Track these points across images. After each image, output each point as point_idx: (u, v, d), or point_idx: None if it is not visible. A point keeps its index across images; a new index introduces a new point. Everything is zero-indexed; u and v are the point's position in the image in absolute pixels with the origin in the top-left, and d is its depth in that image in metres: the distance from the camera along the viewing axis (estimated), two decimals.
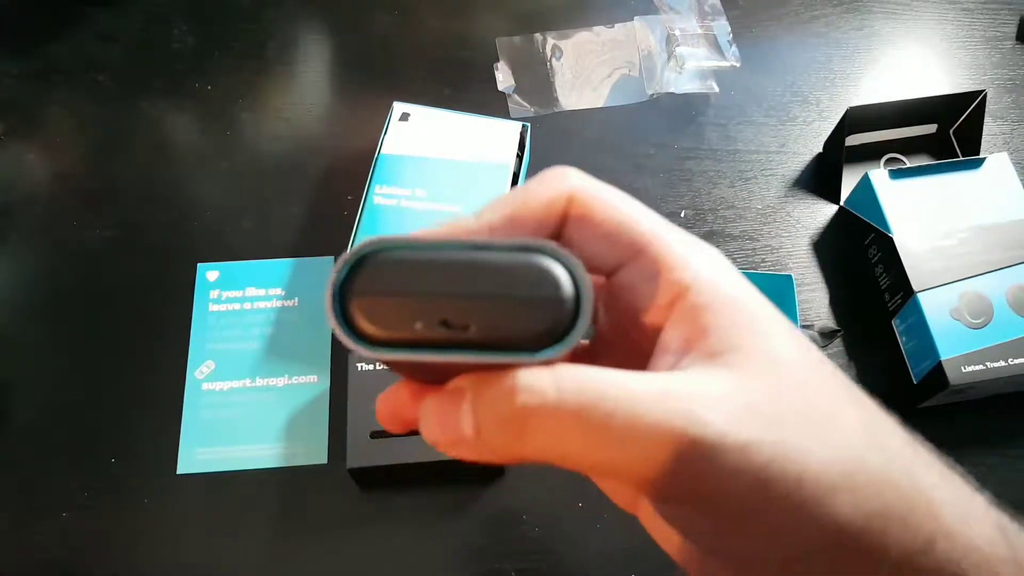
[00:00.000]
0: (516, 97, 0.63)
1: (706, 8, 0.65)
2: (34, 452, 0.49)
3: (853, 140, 0.59)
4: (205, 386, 0.51)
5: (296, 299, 0.54)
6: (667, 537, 0.22)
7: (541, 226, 0.20)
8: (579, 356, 0.23)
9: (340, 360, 0.51)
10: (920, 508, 0.19)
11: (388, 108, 0.55)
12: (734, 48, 0.63)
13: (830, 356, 0.46)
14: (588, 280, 0.18)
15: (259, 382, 0.51)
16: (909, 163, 0.59)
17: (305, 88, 0.63)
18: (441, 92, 0.62)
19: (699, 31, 0.64)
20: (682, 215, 0.58)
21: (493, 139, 0.54)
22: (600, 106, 0.63)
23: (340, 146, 0.60)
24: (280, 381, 0.51)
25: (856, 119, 0.56)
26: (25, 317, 0.53)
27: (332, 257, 0.55)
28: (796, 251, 0.57)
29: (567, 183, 0.20)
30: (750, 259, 0.56)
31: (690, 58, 0.62)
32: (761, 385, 0.18)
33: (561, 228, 0.21)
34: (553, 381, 0.17)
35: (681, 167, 0.60)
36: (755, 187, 0.59)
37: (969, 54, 0.65)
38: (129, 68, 0.63)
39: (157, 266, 0.55)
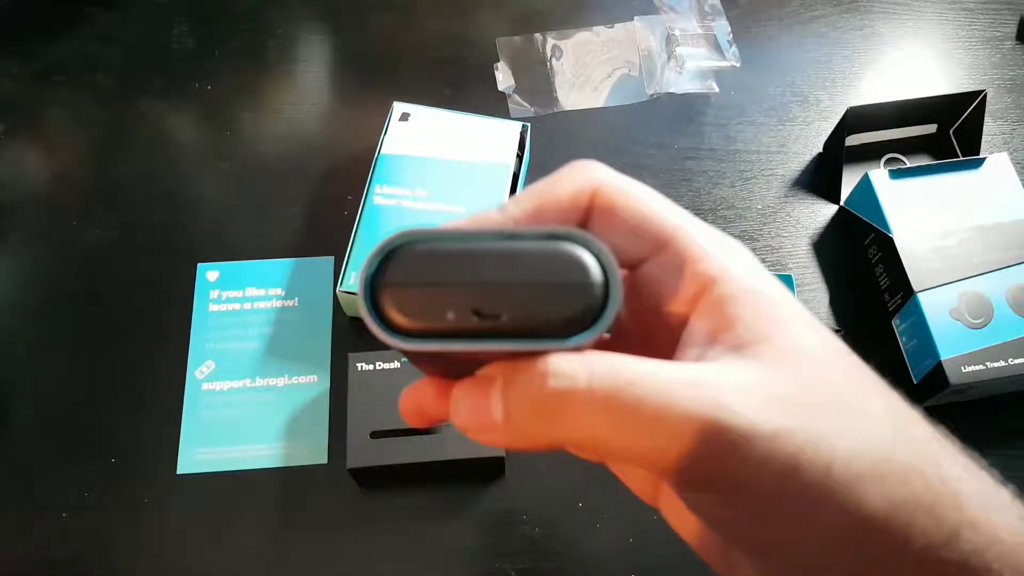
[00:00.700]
0: (516, 97, 0.63)
1: (706, 8, 0.65)
2: (34, 452, 0.49)
3: (853, 140, 0.59)
4: (205, 386, 0.51)
5: (296, 299, 0.54)
6: (688, 527, 0.23)
7: (566, 219, 0.20)
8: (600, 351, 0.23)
9: (340, 360, 0.51)
10: (946, 499, 0.19)
11: (388, 108, 0.56)
12: (734, 48, 0.63)
13: None
14: (617, 266, 0.18)
15: (259, 382, 0.51)
16: (909, 163, 0.59)
17: (305, 88, 0.63)
18: (441, 92, 0.62)
19: (699, 31, 0.64)
20: None
21: (493, 139, 0.54)
22: (600, 106, 0.63)
23: (340, 146, 0.60)
24: (280, 381, 0.51)
25: (856, 119, 0.56)
26: (25, 317, 0.53)
27: (332, 257, 0.55)
28: (796, 251, 0.57)
29: (592, 176, 0.21)
30: None
31: (690, 58, 0.62)
32: (789, 375, 0.19)
33: (585, 222, 0.21)
34: (584, 366, 0.17)
35: (681, 167, 0.60)
36: (755, 187, 0.59)
37: (969, 54, 0.65)
38: (129, 68, 0.63)
39: (157, 266, 0.55)
